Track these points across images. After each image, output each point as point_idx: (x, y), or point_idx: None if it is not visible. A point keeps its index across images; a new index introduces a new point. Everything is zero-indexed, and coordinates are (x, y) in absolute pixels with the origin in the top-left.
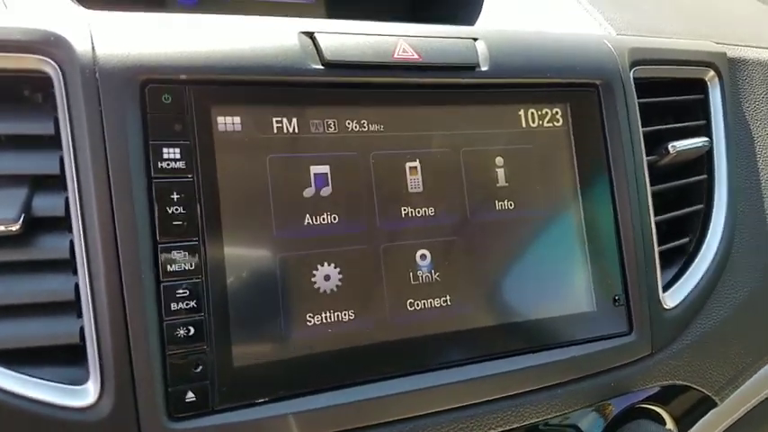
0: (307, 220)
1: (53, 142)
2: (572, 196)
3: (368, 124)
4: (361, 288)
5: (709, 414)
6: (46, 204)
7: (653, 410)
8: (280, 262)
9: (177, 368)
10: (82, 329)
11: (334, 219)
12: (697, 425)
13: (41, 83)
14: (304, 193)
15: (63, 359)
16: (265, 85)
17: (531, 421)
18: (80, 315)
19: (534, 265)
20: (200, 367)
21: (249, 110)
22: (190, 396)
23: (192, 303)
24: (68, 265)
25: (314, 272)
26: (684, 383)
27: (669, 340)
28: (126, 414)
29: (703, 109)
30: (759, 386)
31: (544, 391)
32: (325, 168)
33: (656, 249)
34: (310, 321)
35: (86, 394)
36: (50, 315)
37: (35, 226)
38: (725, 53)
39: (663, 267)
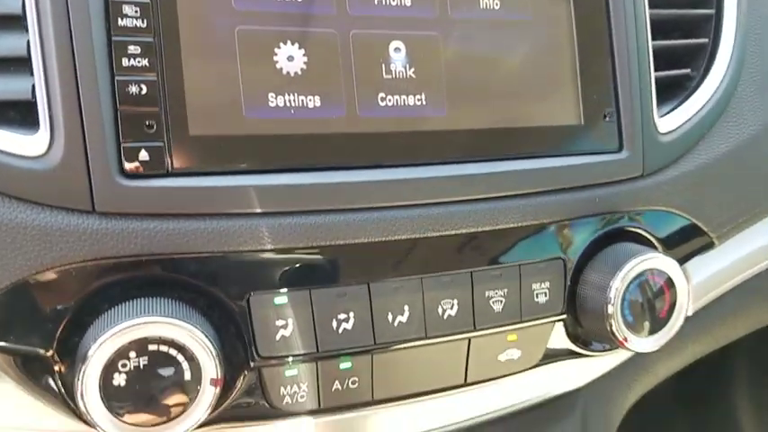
0: None
1: None
2: (564, 2)
3: None
4: (328, 74)
5: (707, 258)
6: None
7: (643, 236)
8: (239, 35)
9: (129, 124)
10: (34, 87)
11: None
12: (694, 264)
13: None
14: None
15: (17, 119)
16: None
17: (506, 226)
18: (33, 73)
19: (518, 71)
20: (154, 128)
21: None
22: (143, 155)
23: (145, 62)
24: (19, 23)
25: (276, 50)
26: (678, 213)
27: (662, 165)
28: (76, 164)
29: None
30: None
31: (521, 198)
32: None
33: (653, 72)
34: (272, 102)
35: (37, 143)
36: (2, 73)
37: None
38: None
39: (663, 98)
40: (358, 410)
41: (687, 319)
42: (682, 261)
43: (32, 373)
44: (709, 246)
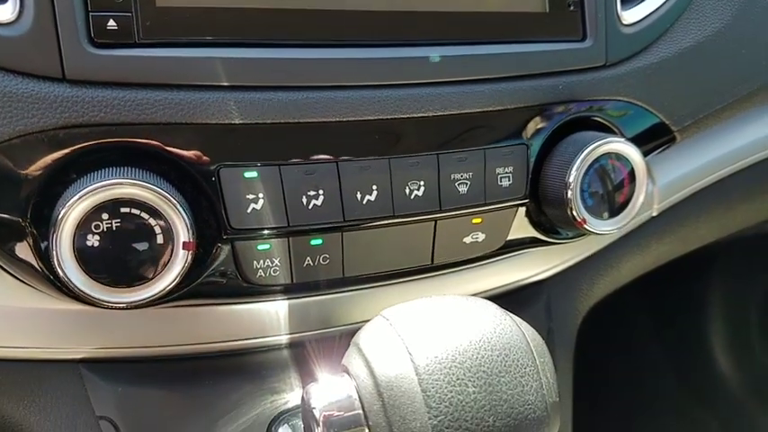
0: None
1: None
2: None
3: None
4: None
5: (673, 163)
6: None
7: (606, 126)
8: None
9: None
10: None
11: None
12: (655, 159)
13: None
14: None
15: None
16: None
17: (472, 110)
18: None
19: None
20: None
21: None
22: (111, 24)
23: None
24: None
25: None
26: (640, 104)
27: (625, 56)
28: (46, 32)
29: None
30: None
31: (487, 83)
32: None
33: None
34: None
35: (7, 10)
36: None
37: None
38: None
39: None
40: (329, 292)
41: (652, 218)
42: (644, 155)
43: (9, 243)
44: (670, 140)
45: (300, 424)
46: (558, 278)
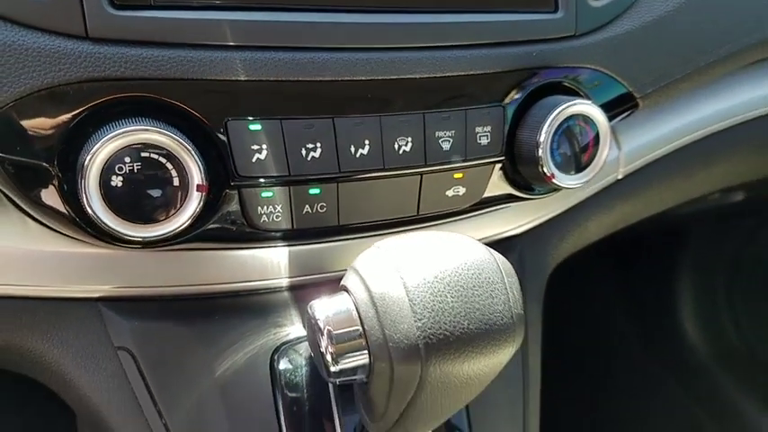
0: None
1: None
2: None
3: None
4: None
5: (638, 131)
6: None
7: (575, 91)
8: None
9: None
10: None
11: None
12: (621, 127)
13: None
14: None
15: None
16: None
17: (453, 74)
18: None
19: None
20: None
21: None
22: None
23: None
24: None
25: None
26: (607, 72)
27: (593, 27)
28: None
29: None
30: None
31: (466, 49)
32: None
33: None
34: None
35: None
36: None
37: None
38: None
39: None
40: (326, 240)
41: (617, 181)
42: (610, 119)
43: (35, 189)
44: (634, 106)
45: (298, 358)
46: (531, 234)
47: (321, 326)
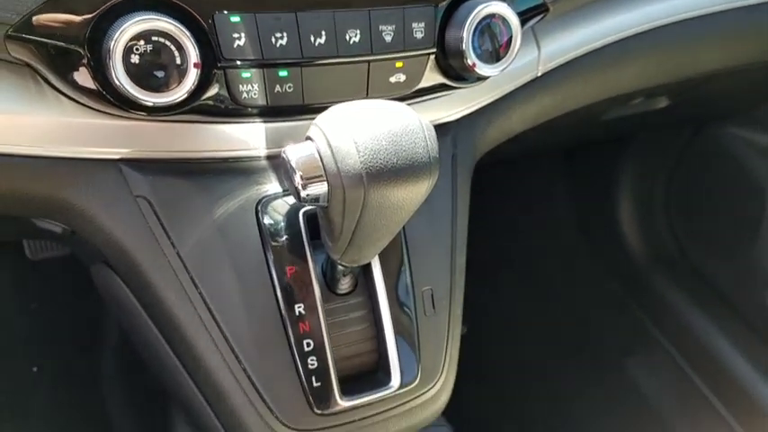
0: None
1: None
2: None
3: None
4: None
5: (558, 36)
6: None
7: None
8: None
9: None
10: None
11: None
12: (541, 32)
13: None
14: None
15: None
16: None
17: None
18: None
19: None
20: None
21: None
22: None
23: None
24: None
25: None
26: None
27: None
28: None
29: None
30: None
31: None
32: None
33: None
34: None
35: None
36: None
37: None
38: None
39: None
40: (295, 119)
41: (537, 78)
42: (523, 22)
43: (70, 72)
44: (545, 11)
45: (276, 208)
46: (462, 120)
47: (293, 164)
